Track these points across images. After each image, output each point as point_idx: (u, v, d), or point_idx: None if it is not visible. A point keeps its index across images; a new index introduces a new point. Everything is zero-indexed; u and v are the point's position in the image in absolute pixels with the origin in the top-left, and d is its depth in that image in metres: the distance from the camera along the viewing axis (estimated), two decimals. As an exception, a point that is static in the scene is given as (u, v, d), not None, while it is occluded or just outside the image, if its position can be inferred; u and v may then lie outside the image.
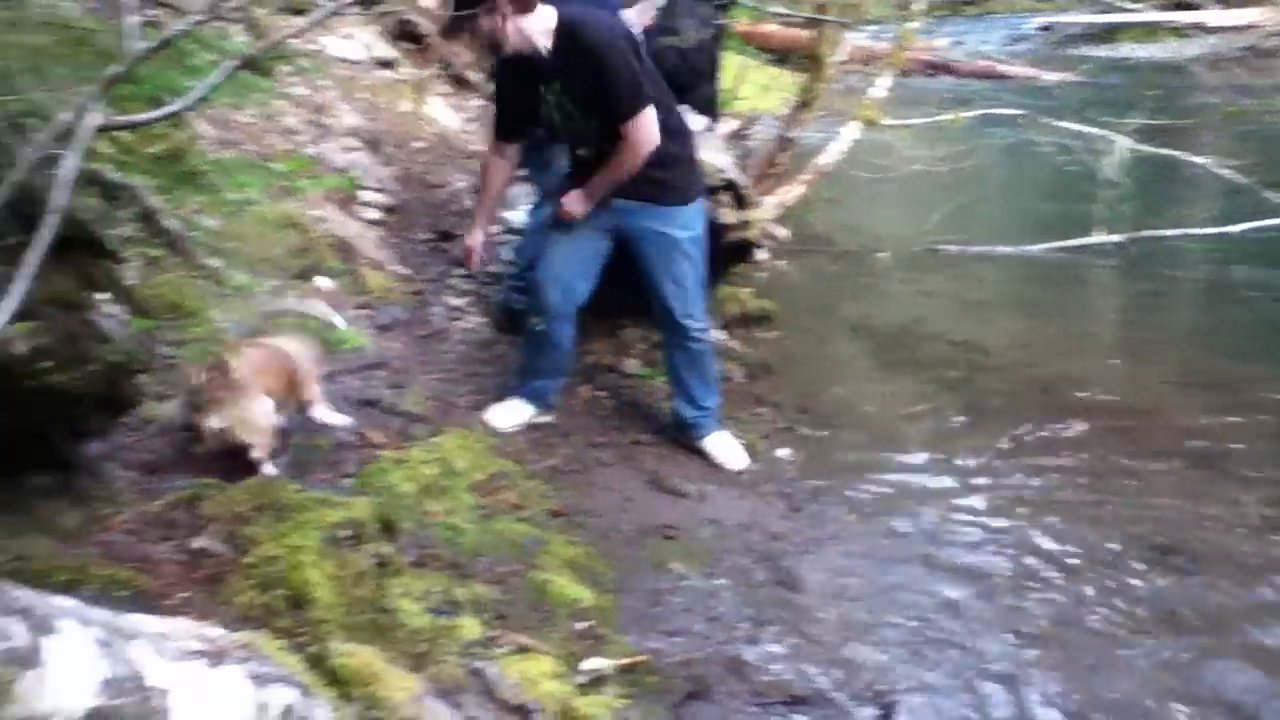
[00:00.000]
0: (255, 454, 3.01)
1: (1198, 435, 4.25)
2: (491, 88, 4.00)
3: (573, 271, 3.77)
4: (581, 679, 2.48)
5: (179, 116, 2.05)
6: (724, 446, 3.96)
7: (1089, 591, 3.23)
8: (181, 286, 3.58)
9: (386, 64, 7.23)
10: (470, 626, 2.42)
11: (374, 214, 5.43)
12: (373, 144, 6.00)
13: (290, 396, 3.25)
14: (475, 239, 3.87)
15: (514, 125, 3.70)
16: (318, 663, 1.83)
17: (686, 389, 3.94)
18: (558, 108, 3.51)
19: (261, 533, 2.29)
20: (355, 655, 1.87)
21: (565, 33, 3.36)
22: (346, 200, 5.30)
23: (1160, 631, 3.05)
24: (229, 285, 3.51)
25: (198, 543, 2.31)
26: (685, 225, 3.68)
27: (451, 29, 3.59)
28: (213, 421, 2.95)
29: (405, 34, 7.92)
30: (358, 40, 7.09)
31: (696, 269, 3.76)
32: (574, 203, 3.63)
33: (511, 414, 3.89)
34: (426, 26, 7.91)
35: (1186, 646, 2.98)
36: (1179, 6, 12.08)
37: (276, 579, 2.16)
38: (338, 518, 2.33)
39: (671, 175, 3.59)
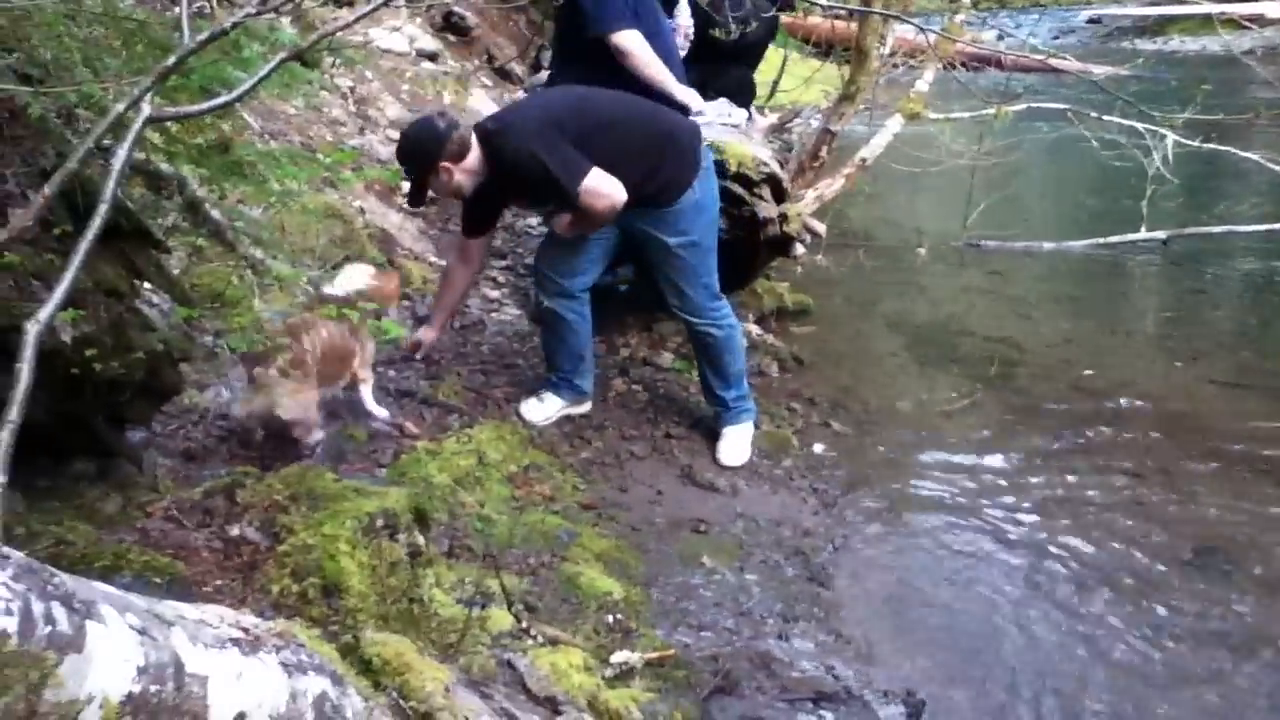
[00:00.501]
0: (297, 433, 3.09)
1: (1240, 436, 4.20)
2: (532, 80, 4.07)
3: (573, 252, 3.82)
4: (610, 672, 2.50)
5: (227, 107, 2.07)
6: (729, 439, 3.95)
7: (1127, 594, 3.21)
8: (225, 276, 3.64)
9: (430, 56, 7.28)
10: (501, 617, 2.45)
11: (415, 205, 5.47)
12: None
13: (342, 373, 3.33)
14: (429, 335, 3.93)
15: (483, 220, 3.86)
16: (350, 651, 1.84)
17: (702, 377, 4.01)
18: (525, 196, 3.86)
19: (297, 521, 2.30)
20: (387, 645, 1.88)
21: (489, 152, 3.53)
22: (387, 191, 5.36)
23: (1200, 636, 3.02)
24: (271, 275, 3.57)
25: (234, 530, 2.34)
26: (677, 230, 3.69)
27: (413, 202, 3.87)
28: (255, 403, 3.03)
29: (449, 26, 7.97)
30: (403, 33, 7.14)
31: (694, 270, 3.77)
32: (562, 227, 3.77)
33: (544, 407, 3.94)
34: (471, 19, 7.96)
35: (1225, 650, 2.95)
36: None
37: (311, 567, 2.17)
38: (372, 507, 2.34)
39: (658, 181, 3.62)
